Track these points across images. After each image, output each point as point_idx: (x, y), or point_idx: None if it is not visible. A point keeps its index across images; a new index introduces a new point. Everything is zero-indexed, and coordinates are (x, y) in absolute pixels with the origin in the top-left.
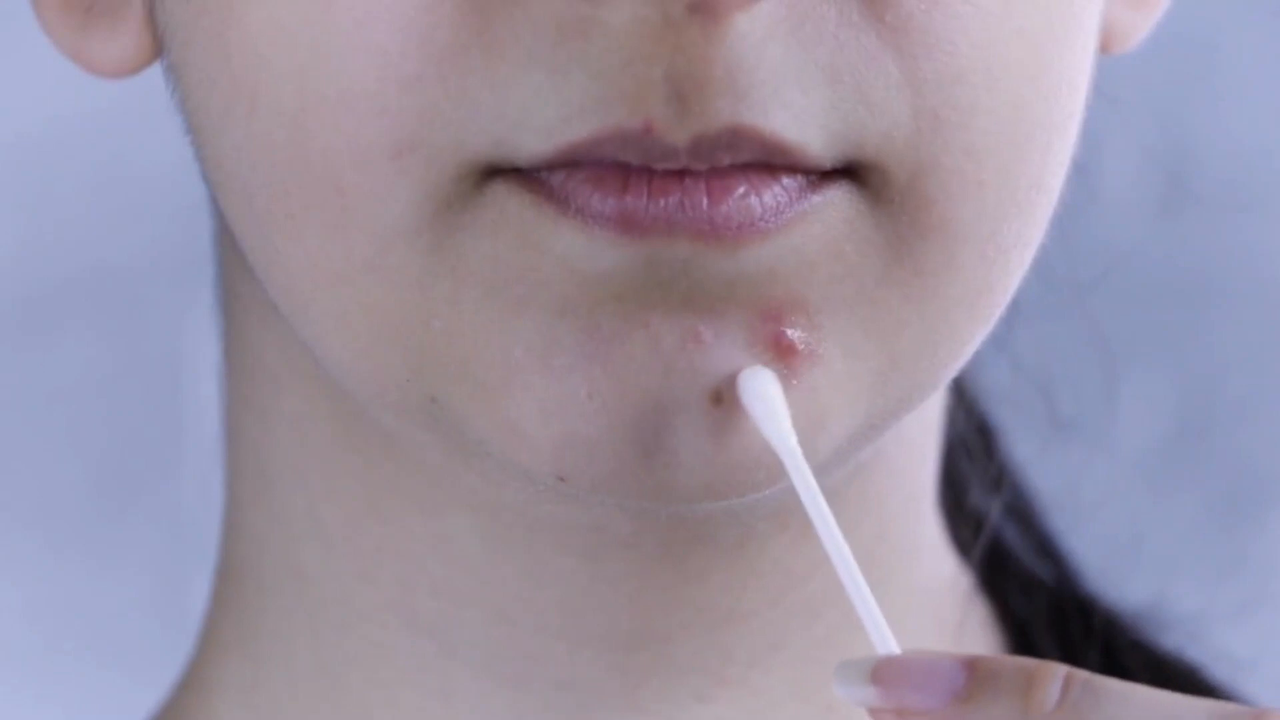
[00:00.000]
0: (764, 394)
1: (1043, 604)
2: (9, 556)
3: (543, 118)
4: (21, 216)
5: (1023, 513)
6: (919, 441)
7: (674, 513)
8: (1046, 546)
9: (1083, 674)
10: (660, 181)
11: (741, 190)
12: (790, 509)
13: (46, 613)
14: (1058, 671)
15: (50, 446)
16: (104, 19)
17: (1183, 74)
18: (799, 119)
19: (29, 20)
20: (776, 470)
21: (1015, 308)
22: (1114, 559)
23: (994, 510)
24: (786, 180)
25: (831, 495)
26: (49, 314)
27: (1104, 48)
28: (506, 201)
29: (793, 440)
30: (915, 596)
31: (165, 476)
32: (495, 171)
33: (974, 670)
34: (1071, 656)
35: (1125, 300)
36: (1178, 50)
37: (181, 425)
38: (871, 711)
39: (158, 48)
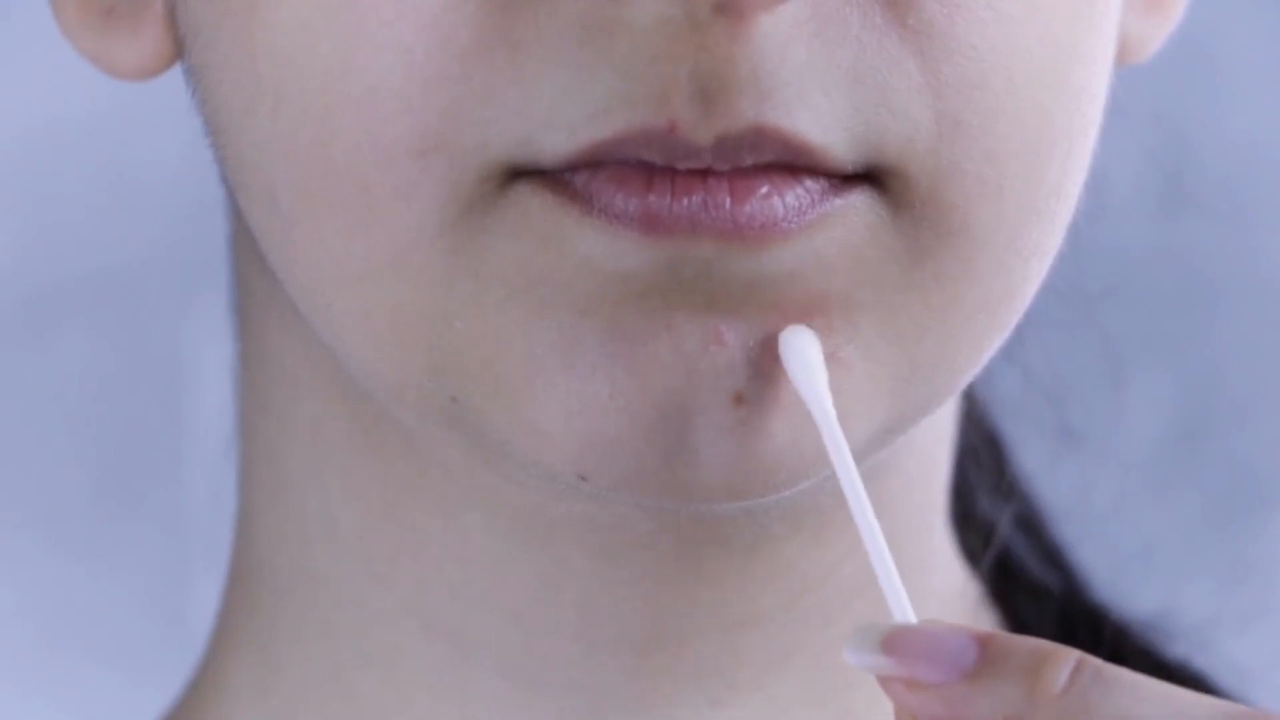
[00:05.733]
0: (803, 353)
1: (1051, 613)
2: (9, 556)
3: (567, 116)
4: (22, 216)
5: (1031, 522)
6: (932, 450)
7: (692, 513)
8: (1055, 556)
9: (1095, 661)
10: (684, 181)
11: (764, 190)
12: (806, 511)
13: (46, 613)
14: (1069, 656)
15: (50, 446)
16: (124, 21)
17: (1182, 76)
18: (822, 121)
19: (29, 20)
20: (798, 470)
21: (1022, 316)
22: (1121, 568)
23: (1003, 520)
24: (809, 182)
25: (843, 500)
26: (49, 314)
27: (1119, 58)
28: (530, 202)
29: (828, 401)
30: (925, 605)
31: (165, 476)
32: (519, 173)
33: (986, 647)
34: None
35: (1125, 304)
36: (1177, 52)
37: (182, 425)
38: (881, 680)
39: (178, 49)
